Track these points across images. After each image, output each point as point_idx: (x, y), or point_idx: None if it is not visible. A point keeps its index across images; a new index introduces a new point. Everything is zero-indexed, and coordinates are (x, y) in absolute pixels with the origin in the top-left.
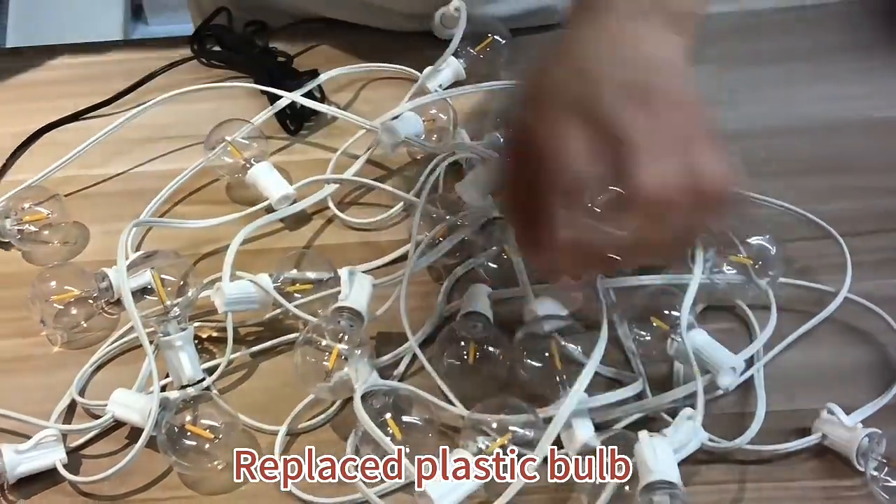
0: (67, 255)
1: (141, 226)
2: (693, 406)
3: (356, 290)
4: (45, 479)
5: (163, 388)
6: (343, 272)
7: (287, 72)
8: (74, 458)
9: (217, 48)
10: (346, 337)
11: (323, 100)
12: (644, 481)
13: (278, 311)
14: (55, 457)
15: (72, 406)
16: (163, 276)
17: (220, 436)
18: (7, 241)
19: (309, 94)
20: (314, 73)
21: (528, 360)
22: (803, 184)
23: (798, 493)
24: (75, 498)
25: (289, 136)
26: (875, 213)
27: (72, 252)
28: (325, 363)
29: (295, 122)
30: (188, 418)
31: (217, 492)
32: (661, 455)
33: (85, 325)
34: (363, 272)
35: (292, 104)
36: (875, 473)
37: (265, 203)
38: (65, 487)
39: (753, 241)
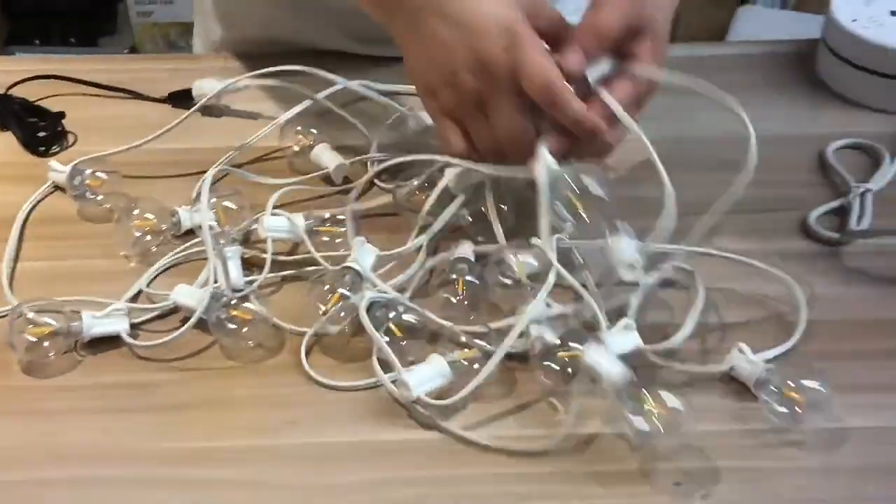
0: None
1: (220, 172)
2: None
3: (363, 255)
4: (110, 343)
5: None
6: (355, 241)
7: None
8: (136, 331)
9: None
10: (349, 288)
11: (64, 134)
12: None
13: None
14: (121, 326)
15: (138, 295)
16: (224, 203)
17: (256, 320)
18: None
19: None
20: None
21: (500, 278)
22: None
23: (706, 407)
24: (133, 360)
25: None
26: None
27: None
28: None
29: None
30: (232, 303)
31: (249, 362)
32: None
33: (154, 250)
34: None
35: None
36: (767, 399)
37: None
38: (125, 352)
39: None
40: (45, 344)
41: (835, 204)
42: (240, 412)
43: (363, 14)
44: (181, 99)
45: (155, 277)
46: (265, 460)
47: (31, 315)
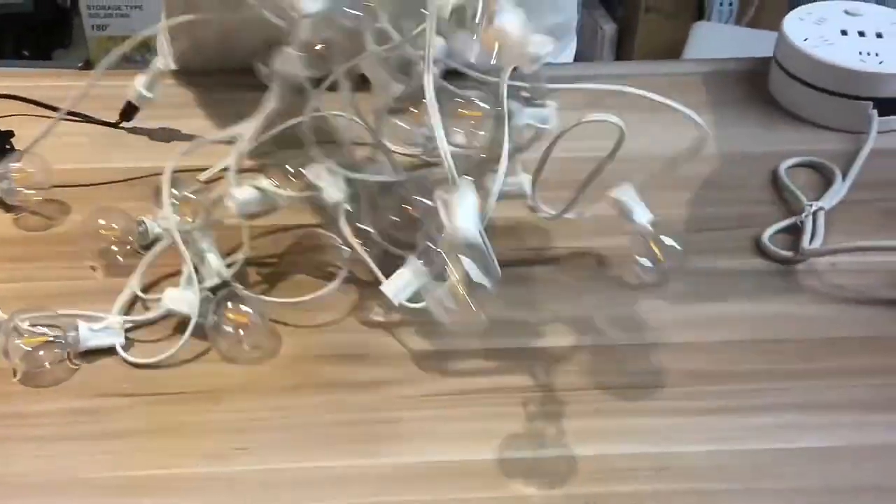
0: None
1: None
2: None
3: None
4: (104, 353)
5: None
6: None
7: None
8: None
9: None
10: None
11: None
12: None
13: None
14: (116, 339)
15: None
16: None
17: (252, 323)
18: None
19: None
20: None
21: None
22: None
23: None
24: (128, 369)
25: None
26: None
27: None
28: None
29: None
30: (229, 305)
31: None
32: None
33: (122, 260)
34: None
35: None
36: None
37: None
38: (119, 361)
39: None
40: (41, 353)
41: (788, 222)
42: (191, 439)
43: None
44: (131, 114)
45: (148, 288)
46: (216, 489)
47: (25, 325)
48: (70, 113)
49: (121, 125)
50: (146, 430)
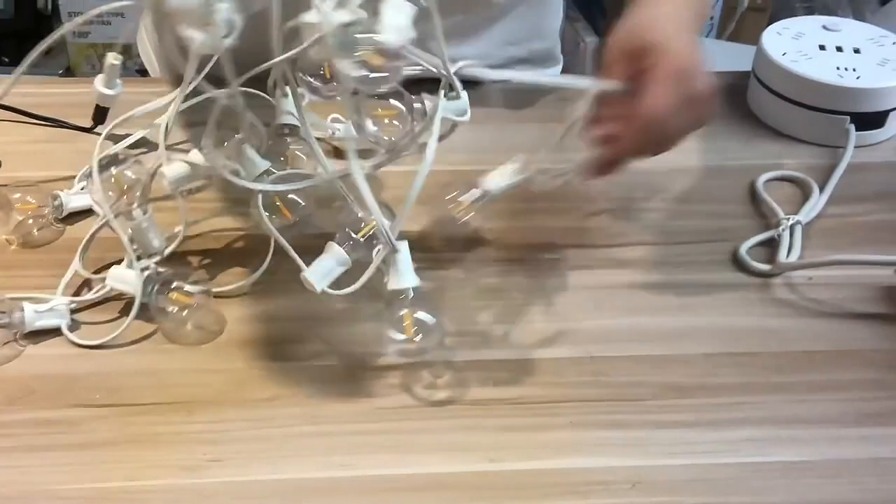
0: None
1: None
2: None
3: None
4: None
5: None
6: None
7: None
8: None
9: None
10: None
11: None
12: None
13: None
14: (62, 320)
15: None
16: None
17: (196, 304)
18: None
19: None
20: None
21: None
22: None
23: None
24: (71, 348)
25: None
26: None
27: None
28: None
29: None
30: (173, 286)
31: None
32: None
33: (36, 234)
34: None
35: None
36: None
37: None
38: (63, 340)
39: None
40: None
41: (765, 236)
42: (163, 450)
43: None
44: (102, 116)
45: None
46: (188, 500)
47: None
48: (48, 119)
49: (94, 130)
50: (119, 441)
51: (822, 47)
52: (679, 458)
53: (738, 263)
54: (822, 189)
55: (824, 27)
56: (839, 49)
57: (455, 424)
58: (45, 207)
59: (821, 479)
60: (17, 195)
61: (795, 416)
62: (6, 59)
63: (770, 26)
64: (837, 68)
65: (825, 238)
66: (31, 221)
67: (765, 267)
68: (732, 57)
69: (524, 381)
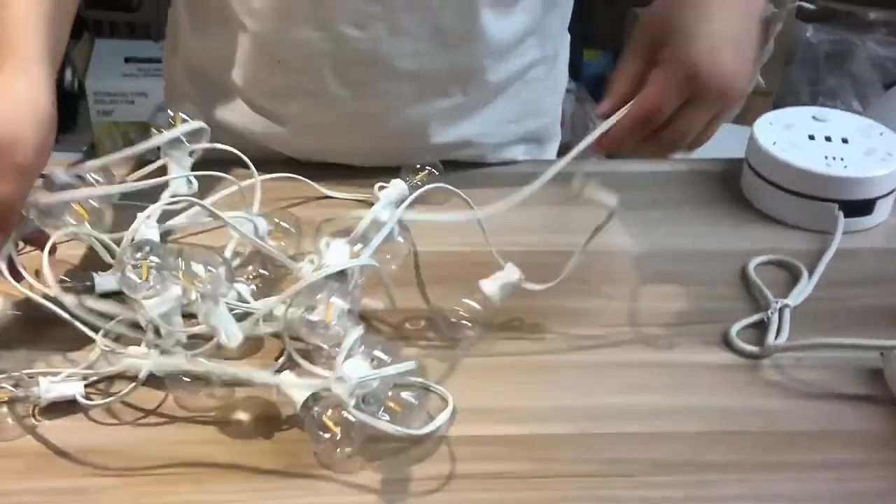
0: None
1: None
2: None
3: None
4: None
5: None
6: None
7: None
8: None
9: None
10: None
11: None
12: None
13: None
14: (76, 389)
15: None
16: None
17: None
18: None
19: None
20: None
21: None
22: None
23: None
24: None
25: None
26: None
27: None
28: None
29: None
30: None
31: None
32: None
33: None
34: None
35: None
36: None
37: None
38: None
39: None
40: (3, 410)
41: (755, 318)
42: None
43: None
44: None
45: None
46: None
47: None
48: None
49: None
50: None
51: (811, 137)
52: None
53: (729, 344)
54: (811, 273)
55: (814, 118)
56: (828, 139)
57: (448, 498)
58: None
59: None
60: None
61: (782, 493)
62: None
63: (762, 116)
64: (825, 157)
65: (813, 321)
66: None
67: (754, 348)
68: (737, 138)
69: (516, 456)
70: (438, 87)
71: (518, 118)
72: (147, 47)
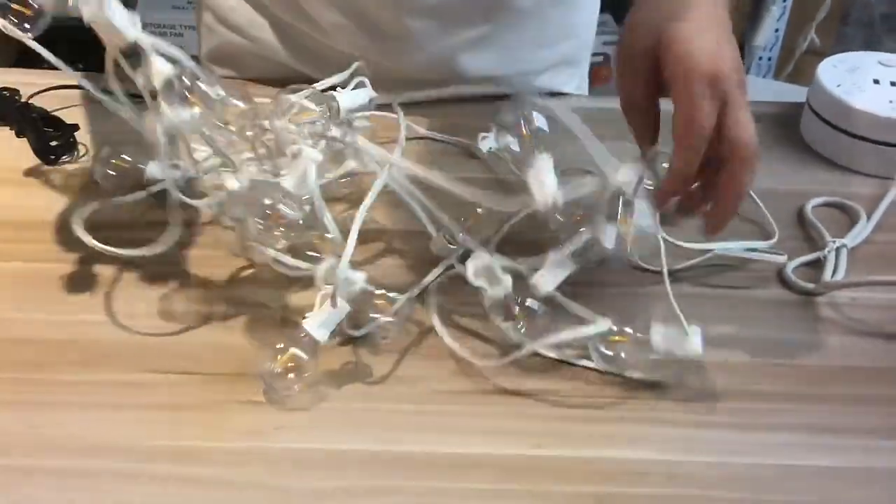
0: None
1: None
2: None
3: None
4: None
5: None
6: None
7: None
8: None
9: None
10: None
11: (75, 145)
12: None
13: None
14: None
15: None
16: None
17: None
18: None
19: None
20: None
21: None
22: None
23: None
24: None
25: None
26: None
27: None
28: None
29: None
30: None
31: None
32: None
33: None
34: None
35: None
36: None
37: None
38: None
39: None
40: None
41: (811, 257)
42: (232, 415)
43: None
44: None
45: None
46: (250, 462)
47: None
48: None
49: None
50: (193, 406)
51: (876, 81)
52: (716, 455)
53: (784, 281)
54: (869, 216)
55: (880, 62)
56: (893, 84)
57: (504, 411)
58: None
59: (853, 484)
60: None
61: (832, 425)
62: (81, 66)
63: (826, 59)
64: (890, 101)
65: (870, 263)
66: None
67: (809, 285)
68: (789, 97)
69: (575, 378)
70: (460, 18)
71: (549, 43)
72: None
